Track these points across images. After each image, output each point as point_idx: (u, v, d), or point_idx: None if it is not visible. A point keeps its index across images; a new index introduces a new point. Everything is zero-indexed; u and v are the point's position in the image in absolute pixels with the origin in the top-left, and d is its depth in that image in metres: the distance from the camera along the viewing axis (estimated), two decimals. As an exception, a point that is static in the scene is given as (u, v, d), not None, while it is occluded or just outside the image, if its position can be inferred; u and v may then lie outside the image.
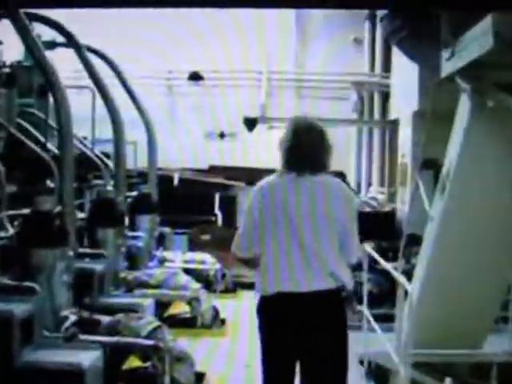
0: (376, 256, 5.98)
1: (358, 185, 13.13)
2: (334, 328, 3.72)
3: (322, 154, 3.77)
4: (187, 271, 8.40)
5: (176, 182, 13.06)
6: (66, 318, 5.23)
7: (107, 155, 13.19)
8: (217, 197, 12.98)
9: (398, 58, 9.62)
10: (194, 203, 12.59)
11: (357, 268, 6.33)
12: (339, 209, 3.72)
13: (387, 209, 8.80)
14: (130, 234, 8.33)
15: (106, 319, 5.39)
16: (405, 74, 8.94)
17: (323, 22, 13.13)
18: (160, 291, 6.80)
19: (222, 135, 13.66)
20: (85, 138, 14.26)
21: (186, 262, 8.69)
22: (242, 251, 3.85)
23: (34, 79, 9.11)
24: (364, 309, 6.17)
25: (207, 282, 8.47)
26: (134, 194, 8.90)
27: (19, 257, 5.12)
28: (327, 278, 3.66)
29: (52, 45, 8.60)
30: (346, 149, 13.01)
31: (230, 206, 13.18)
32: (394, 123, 10.66)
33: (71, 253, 5.42)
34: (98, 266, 6.37)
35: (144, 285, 6.91)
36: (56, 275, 5.25)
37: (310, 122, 3.83)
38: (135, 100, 9.51)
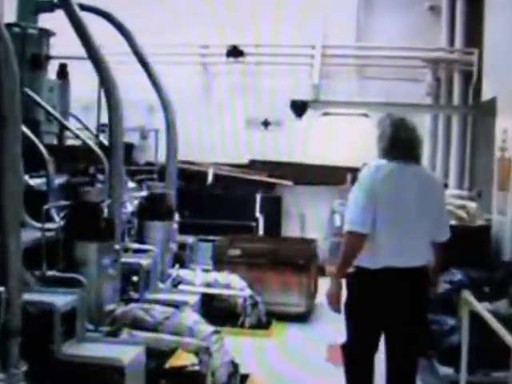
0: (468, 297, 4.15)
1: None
2: (423, 298, 4.39)
3: (420, 146, 4.51)
4: (208, 298, 6.70)
5: (210, 178, 11.78)
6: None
7: (129, 146, 11.87)
8: (258, 197, 11.51)
9: (494, 17, 7.80)
10: (231, 205, 11.33)
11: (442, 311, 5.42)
12: (437, 194, 4.48)
13: (480, 222, 6.84)
14: (137, 246, 6.72)
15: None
16: (505, 38, 7.09)
17: (391, -15, 11.57)
18: (157, 336, 5.02)
19: (266, 123, 12.11)
20: (104, 125, 12.94)
21: (208, 285, 6.96)
22: (362, 226, 4.24)
23: (27, 48, 7.45)
24: (461, 376, 4.27)
25: (233, 314, 6.76)
26: (143, 194, 7.21)
27: None
28: (425, 255, 4.36)
29: (49, 5, 7.09)
30: (417, 141, 11.39)
31: (273, 209, 11.77)
32: (484, 108, 8.75)
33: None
34: (66, 299, 4.67)
35: (137, 324, 5.16)
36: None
37: (405, 117, 4.57)
38: (151, 75, 7.87)
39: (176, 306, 5.51)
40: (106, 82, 6.22)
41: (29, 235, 4.98)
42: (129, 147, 11.74)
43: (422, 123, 11.41)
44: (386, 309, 4.27)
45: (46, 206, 5.19)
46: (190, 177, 11.54)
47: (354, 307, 4.37)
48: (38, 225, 5.12)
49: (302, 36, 11.50)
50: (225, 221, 10.89)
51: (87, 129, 8.12)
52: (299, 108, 10.03)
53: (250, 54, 11.75)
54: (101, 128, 12.53)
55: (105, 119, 13.01)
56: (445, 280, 5.64)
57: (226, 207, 11.20)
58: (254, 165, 11.95)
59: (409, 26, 11.58)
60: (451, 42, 11.25)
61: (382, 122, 4.54)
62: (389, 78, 11.60)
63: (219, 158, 11.86)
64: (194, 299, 6.21)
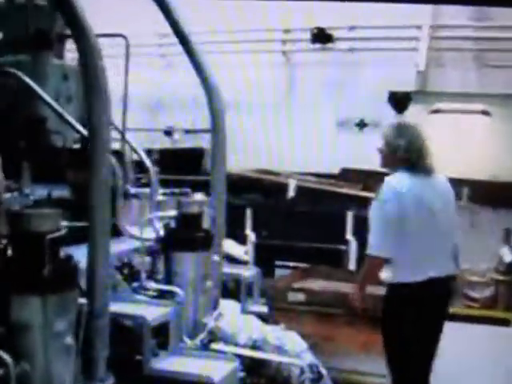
0: None
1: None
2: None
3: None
4: (254, 363, 4.78)
5: (292, 192, 10.24)
6: None
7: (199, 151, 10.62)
8: (350, 215, 9.78)
9: None
10: (317, 224, 9.69)
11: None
12: (453, 199, 4.86)
13: None
14: (156, 287, 4.92)
15: None
16: None
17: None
18: None
19: (361, 125, 10.54)
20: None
21: (255, 345, 5.02)
22: (381, 251, 4.56)
23: (30, 22, 5.96)
24: None
25: (288, 389, 4.80)
26: (172, 214, 5.37)
27: None
28: (453, 262, 4.74)
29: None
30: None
31: (368, 231, 9.77)
32: None
33: None
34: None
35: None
36: None
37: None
38: (196, 62, 6.03)
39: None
40: (87, 64, 4.28)
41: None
42: (198, 153, 10.41)
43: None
44: (428, 319, 4.58)
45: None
46: (268, 189, 10.21)
47: (399, 327, 4.56)
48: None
49: (405, 15, 9.87)
50: (309, 243, 9.43)
51: (117, 129, 6.50)
52: (400, 101, 8.57)
53: (341, 38, 10.35)
54: (166, 130, 11.24)
55: (168, 122, 11.49)
56: None
57: (311, 227, 9.63)
58: (345, 175, 10.47)
59: (542, 0, 9.67)
60: None
61: (405, 130, 4.72)
62: (516, 67, 10.07)
63: (303, 166, 10.46)
64: (226, 370, 4.29)
